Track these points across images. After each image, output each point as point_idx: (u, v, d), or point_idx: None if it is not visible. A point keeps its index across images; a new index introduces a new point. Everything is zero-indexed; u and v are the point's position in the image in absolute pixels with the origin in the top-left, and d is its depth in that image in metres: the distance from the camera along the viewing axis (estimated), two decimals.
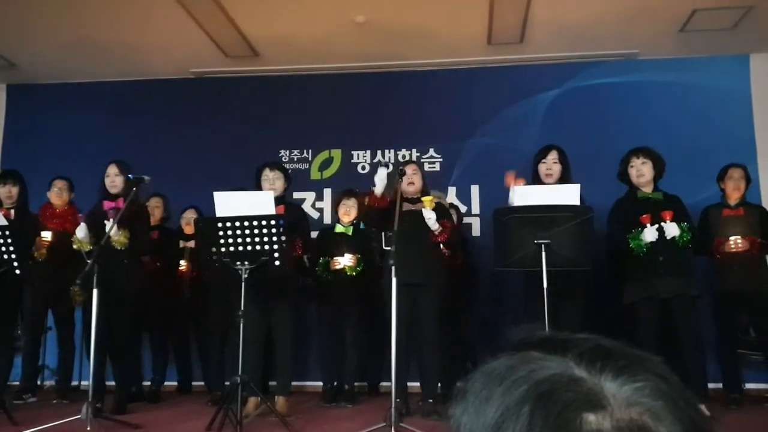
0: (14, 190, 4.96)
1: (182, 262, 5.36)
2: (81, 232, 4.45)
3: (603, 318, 5.36)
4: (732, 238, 4.64)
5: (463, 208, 6.11)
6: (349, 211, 5.04)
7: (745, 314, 4.93)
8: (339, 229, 5.06)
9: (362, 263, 4.89)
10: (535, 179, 4.33)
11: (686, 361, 4.11)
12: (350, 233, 5.03)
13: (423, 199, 4.32)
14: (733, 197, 4.87)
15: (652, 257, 4.11)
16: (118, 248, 4.41)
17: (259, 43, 6.08)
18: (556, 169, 4.29)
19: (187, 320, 5.56)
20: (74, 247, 4.49)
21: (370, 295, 4.92)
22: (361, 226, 5.13)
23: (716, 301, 4.80)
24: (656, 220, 4.11)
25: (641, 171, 4.26)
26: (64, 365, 5.14)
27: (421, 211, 4.33)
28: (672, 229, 4.08)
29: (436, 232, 4.33)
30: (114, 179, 4.63)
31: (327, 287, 5.02)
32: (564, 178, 4.28)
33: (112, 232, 4.28)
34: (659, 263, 4.11)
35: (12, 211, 4.89)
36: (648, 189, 4.30)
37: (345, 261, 4.84)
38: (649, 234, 4.08)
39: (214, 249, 4.00)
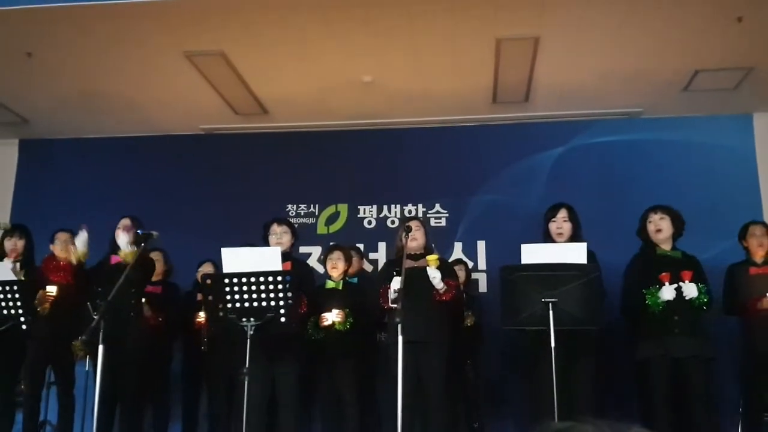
0: (20, 244, 4.95)
1: (201, 314, 5.34)
2: (80, 239, 4.52)
3: (613, 378, 5.30)
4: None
5: (469, 264, 6.10)
6: (336, 264, 4.97)
7: None
8: (329, 285, 4.98)
9: (351, 317, 4.79)
10: (546, 238, 4.34)
11: (698, 423, 4.02)
12: (340, 288, 4.96)
13: (428, 258, 4.28)
14: (758, 254, 4.76)
15: (668, 316, 4.05)
16: (122, 260, 4.48)
17: (269, 101, 6.19)
18: (567, 227, 4.29)
19: (198, 374, 5.51)
20: (72, 258, 4.58)
21: (364, 350, 4.84)
22: (350, 280, 5.09)
23: (748, 362, 4.66)
24: (675, 279, 4.05)
25: (659, 226, 4.23)
26: (64, 422, 5.06)
27: (424, 267, 4.32)
28: (691, 290, 4.01)
29: (441, 291, 4.30)
30: None
31: (320, 345, 4.93)
32: (575, 236, 4.28)
33: (123, 245, 4.43)
34: (674, 322, 4.04)
35: (17, 265, 4.89)
36: (666, 246, 4.25)
37: (332, 317, 4.70)
38: (667, 292, 4.01)
39: (220, 305, 3.99)
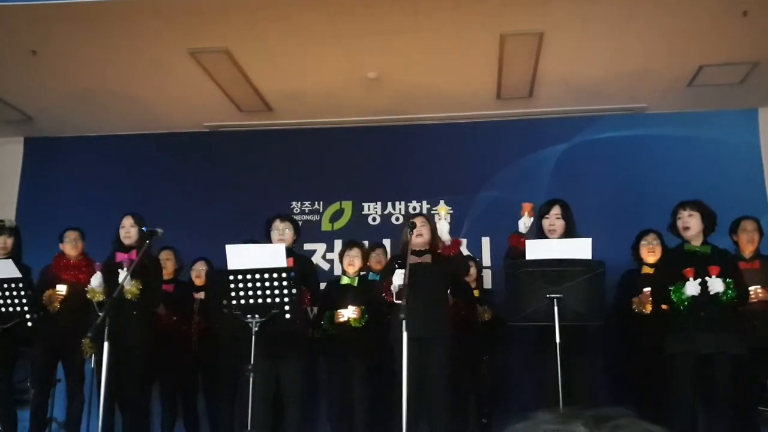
0: (9, 241, 4.96)
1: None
2: (95, 280, 4.48)
3: (615, 373, 5.30)
4: (751, 288, 4.46)
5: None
6: (353, 261, 4.98)
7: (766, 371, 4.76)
8: (344, 281, 4.98)
9: (366, 314, 4.81)
10: (539, 234, 4.32)
11: (720, 419, 4.00)
12: (355, 284, 4.96)
13: (437, 207, 4.32)
14: (748, 250, 4.79)
15: (694, 312, 4.00)
16: (129, 298, 4.41)
17: (273, 98, 6.19)
18: (559, 224, 4.25)
19: (195, 374, 5.52)
20: (87, 296, 4.51)
21: (377, 347, 4.84)
22: (370, 276, 5.09)
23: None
24: (701, 274, 4.00)
25: (687, 223, 4.17)
26: (72, 419, 5.07)
27: (428, 263, 4.33)
28: (716, 285, 3.94)
29: (447, 243, 4.30)
30: (129, 230, 4.68)
31: (333, 341, 4.94)
32: (568, 233, 4.24)
33: (125, 282, 4.30)
34: (700, 318, 3.98)
35: None
36: (696, 242, 4.20)
37: (348, 313, 4.72)
38: (691, 288, 3.95)
39: (225, 302, 3.99)
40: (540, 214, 4.35)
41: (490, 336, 5.37)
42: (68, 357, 4.98)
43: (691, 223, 4.16)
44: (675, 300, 4.00)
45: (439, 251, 4.37)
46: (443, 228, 4.27)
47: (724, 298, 3.96)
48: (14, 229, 5.02)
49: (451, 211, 4.52)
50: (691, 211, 4.19)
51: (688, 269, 3.99)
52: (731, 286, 3.98)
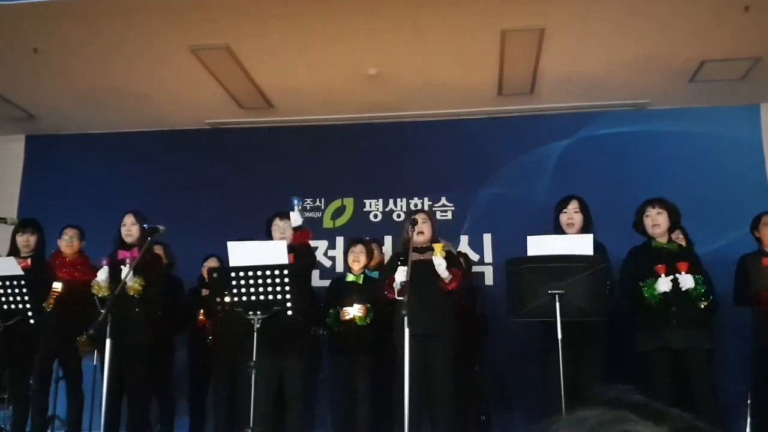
0: (32, 239, 4.97)
1: (202, 311, 5.35)
2: (102, 275, 4.49)
3: (622, 367, 5.29)
4: None
5: (475, 257, 6.10)
6: (357, 257, 4.98)
7: None
8: (349, 278, 4.99)
9: (372, 312, 4.81)
10: (556, 229, 4.33)
11: (701, 415, 4.00)
12: (360, 282, 4.96)
13: (434, 245, 4.30)
14: None
15: (665, 308, 4.05)
16: (131, 294, 4.42)
17: (274, 95, 6.18)
18: (578, 218, 4.30)
19: (201, 369, 5.53)
20: (92, 291, 4.52)
21: (381, 345, 4.85)
22: (370, 273, 5.09)
23: (759, 355, 4.63)
24: (671, 270, 4.06)
25: (656, 221, 4.23)
26: (73, 416, 5.08)
27: (430, 260, 4.32)
28: (687, 281, 4.02)
29: (446, 281, 4.30)
30: (130, 228, 4.68)
31: (338, 338, 4.95)
32: (585, 228, 4.29)
33: (128, 278, 4.31)
34: (672, 314, 4.04)
35: (29, 260, 4.90)
36: (663, 239, 4.26)
37: (354, 311, 4.72)
38: (663, 284, 4.02)
39: (227, 299, 3.99)
40: (557, 210, 4.38)
41: (479, 333, 5.39)
42: (64, 355, 4.97)
43: (660, 221, 4.24)
44: (647, 296, 4.04)
45: (442, 288, 4.35)
46: (440, 265, 4.26)
47: (695, 293, 4.03)
48: (37, 227, 5.02)
49: (448, 248, 4.50)
50: (659, 209, 4.25)
51: (660, 266, 4.03)
52: (700, 282, 4.06)
